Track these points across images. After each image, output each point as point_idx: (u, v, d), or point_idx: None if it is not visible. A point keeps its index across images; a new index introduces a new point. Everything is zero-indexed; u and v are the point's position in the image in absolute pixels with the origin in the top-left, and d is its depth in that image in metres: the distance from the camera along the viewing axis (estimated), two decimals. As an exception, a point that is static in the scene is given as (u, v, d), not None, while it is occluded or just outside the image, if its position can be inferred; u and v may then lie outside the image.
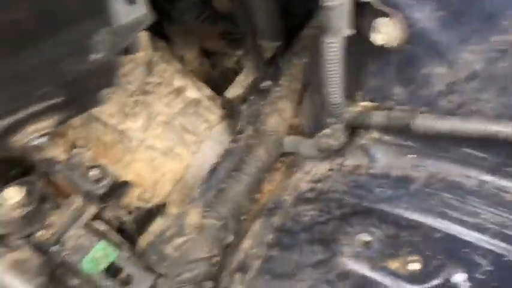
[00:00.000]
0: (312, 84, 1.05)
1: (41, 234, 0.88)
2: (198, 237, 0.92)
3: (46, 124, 0.67)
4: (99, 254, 0.90)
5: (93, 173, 0.92)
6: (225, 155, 1.13)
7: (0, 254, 0.74)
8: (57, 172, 0.92)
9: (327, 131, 0.81)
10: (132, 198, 1.09)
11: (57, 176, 0.92)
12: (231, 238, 0.95)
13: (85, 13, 0.52)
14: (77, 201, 0.93)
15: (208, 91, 1.33)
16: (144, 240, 1.07)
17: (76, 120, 1.09)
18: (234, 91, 1.20)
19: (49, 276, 0.74)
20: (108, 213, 1.00)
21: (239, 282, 0.87)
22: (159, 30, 1.35)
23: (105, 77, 0.73)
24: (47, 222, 0.88)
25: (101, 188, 0.91)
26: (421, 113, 0.74)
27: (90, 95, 0.76)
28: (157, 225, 1.11)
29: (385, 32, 0.66)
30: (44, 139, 0.68)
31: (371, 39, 0.68)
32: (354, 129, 0.83)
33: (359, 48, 0.72)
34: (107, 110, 1.20)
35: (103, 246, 0.91)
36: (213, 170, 1.11)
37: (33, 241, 0.83)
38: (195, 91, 1.31)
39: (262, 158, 1.03)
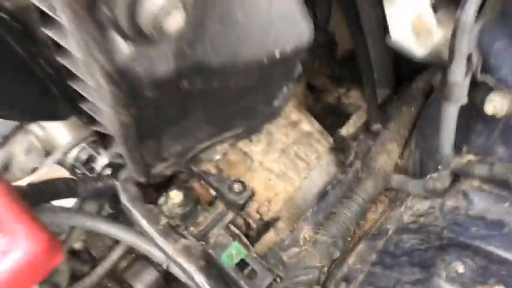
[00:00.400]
0: (421, 133, 1.23)
1: (193, 230, 1.13)
2: (312, 249, 1.12)
3: (227, 146, 0.92)
4: (234, 252, 1.14)
5: (237, 186, 1.16)
6: (335, 184, 1.33)
7: (176, 239, 0.99)
8: (208, 182, 1.18)
9: (434, 175, 0.99)
10: (252, 210, 1.33)
11: (207, 186, 1.18)
12: (338, 254, 1.14)
13: (283, 75, 0.75)
14: (221, 207, 1.18)
15: (318, 126, 1.55)
16: (261, 247, 1.30)
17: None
18: (347, 129, 1.41)
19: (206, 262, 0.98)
20: (239, 220, 1.24)
21: (344, 289, 1.07)
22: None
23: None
24: (197, 221, 1.14)
25: (241, 199, 1.15)
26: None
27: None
28: (271, 235, 1.33)
29: (496, 105, 0.83)
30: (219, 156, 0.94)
31: (484, 110, 0.85)
32: (457, 176, 1.00)
33: (470, 112, 0.90)
34: (241, 138, 1.45)
35: (236, 245, 1.15)
36: (324, 195, 1.32)
37: (192, 233, 1.08)
38: (308, 125, 1.53)
39: (370, 190, 1.23)
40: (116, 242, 1.35)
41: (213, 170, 1.19)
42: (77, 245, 1.30)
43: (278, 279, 1.12)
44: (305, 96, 1.78)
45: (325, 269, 1.10)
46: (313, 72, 1.88)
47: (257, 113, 0.93)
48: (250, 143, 1.45)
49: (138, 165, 0.82)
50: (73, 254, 1.35)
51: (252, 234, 1.28)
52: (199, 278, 0.93)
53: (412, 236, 1.01)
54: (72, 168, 1.21)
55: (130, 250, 1.27)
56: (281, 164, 1.44)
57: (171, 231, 1.00)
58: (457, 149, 0.97)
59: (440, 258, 0.90)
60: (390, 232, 1.09)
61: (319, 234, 1.16)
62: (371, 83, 1.38)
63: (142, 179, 0.90)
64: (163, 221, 1.01)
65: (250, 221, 1.24)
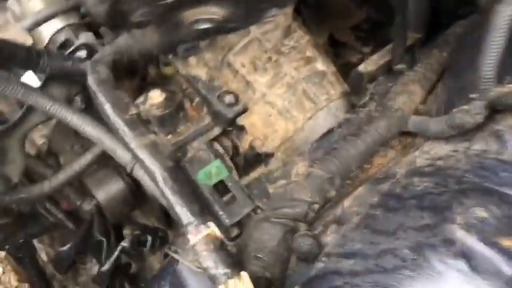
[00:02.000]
0: (452, 69, 1.05)
1: (169, 138, 0.97)
2: (304, 182, 0.96)
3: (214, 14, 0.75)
4: (214, 170, 0.98)
5: (229, 97, 0.99)
6: (342, 123, 1.16)
7: (143, 133, 0.82)
8: (196, 89, 1.01)
9: (464, 106, 0.81)
10: (244, 142, 1.16)
11: (194, 93, 1.01)
12: (333, 193, 0.98)
13: None
14: (206, 119, 1.01)
15: (334, 68, 1.38)
16: (247, 178, 1.13)
17: (210, 61, 1.19)
18: (366, 67, 1.23)
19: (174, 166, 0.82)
20: (226, 141, 1.07)
21: (333, 231, 0.90)
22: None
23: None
24: (177, 130, 0.97)
25: (231, 112, 0.98)
26: None
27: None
28: (262, 169, 1.17)
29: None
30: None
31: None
32: (492, 113, 0.82)
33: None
34: (241, 59, 1.28)
35: (218, 164, 0.98)
36: (327, 133, 1.15)
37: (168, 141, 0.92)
38: (323, 64, 1.36)
39: (381, 130, 1.05)
40: (86, 149, 1.20)
41: (204, 76, 1.02)
42: (39, 141, 1.14)
43: (258, 211, 0.96)
44: (326, 51, 1.61)
45: (315, 206, 0.94)
46: (339, 25, 1.70)
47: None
48: (255, 72, 1.28)
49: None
50: (38, 155, 1.20)
51: (238, 163, 1.12)
52: (163, 177, 0.77)
53: (425, 179, 0.84)
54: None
55: (100, 159, 1.12)
56: (286, 100, 1.27)
57: (139, 123, 0.84)
58: (499, 77, 0.79)
59: (458, 201, 0.73)
60: (398, 176, 0.92)
61: (314, 167, 0.99)
62: (402, 20, 1.20)
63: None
64: (133, 111, 0.84)
65: (239, 145, 1.08)
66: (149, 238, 1.13)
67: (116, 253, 1.11)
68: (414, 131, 1.02)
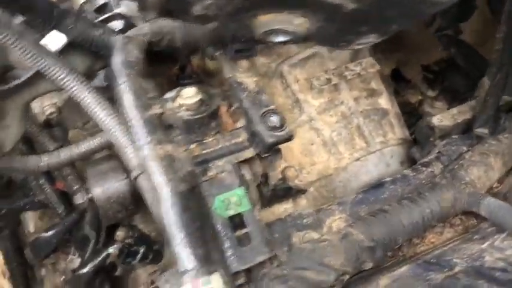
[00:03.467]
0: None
1: (193, 148, 0.80)
2: (339, 244, 0.77)
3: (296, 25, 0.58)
4: (234, 200, 0.80)
5: (275, 118, 0.81)
6: (397, 179, 0.97)
7: (161, 141, 0.66)
8: (239, 99, 0.84)
9: None
10: (277, 169, 0.98)
11: (235, 101, 0.83)
12: (369, 266, 0.79)
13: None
14: (242, 136, 0.83)
15: (398, 109, 1.19)
16: (270, 215, 0.96)
17: (262, 67, 1.01)
18: (441, 120, 1.03)
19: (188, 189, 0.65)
20: (257, 166, 0.89)
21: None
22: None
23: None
24: (204, 140, 0.80)
25: (273, 137, 0.80)
26: None
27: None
28: (287, 206, 0.99)
29: None
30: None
31: None
32: None
33: None
34: (297, 73, 1.11)
35: (241, 193, 0.80)
36: (377, 186, 0.96)
37: (190, 152, 0.74)
38: (387, 102, 1.18)
39: (444, 203, 0.86)
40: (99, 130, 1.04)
41: (251, 86, 0.84)
42: (49, 110, 0.99)
43: (275, 262, 0.77)
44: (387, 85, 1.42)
45: (346, 277, 0.75)
46: (411, 60, 1.51)
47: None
48: (308, 91, 1.10)
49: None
50: (45, 124, 1.05)
51: (265, 194, 0.94)
52: (171, 203, 0.60)
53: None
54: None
55: (110, 147, 0.96)
56: (335, 131, 1.10)
57: (159, 127, 0.67)
58: None
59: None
60: (457, 269, 0.72)
61: (353, 228, 0.80)
62: (499, 79, 0.99)
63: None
64: (156, 110, 0.68)
65: (270, 175, 0.90)
66: (141, 251, 0.97)
67: (99, 259, 0.95)
68: (485, 216, 0.82)
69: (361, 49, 1.22)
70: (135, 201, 0.91)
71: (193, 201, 0.66)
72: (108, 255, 0.94)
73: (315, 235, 0.84)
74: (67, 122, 1.02)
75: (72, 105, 1.01)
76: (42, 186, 1.07)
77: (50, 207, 1.09)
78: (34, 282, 1.43)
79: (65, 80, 0.74)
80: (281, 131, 0.80)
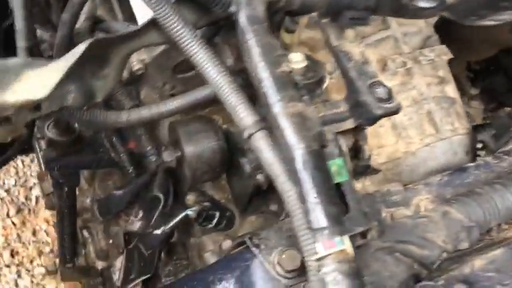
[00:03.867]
0: None
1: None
2: (440, 221, 0.77)
3: None
4: (334, 169, 0.79)
5: (382, 90, 0.80)
6: (480, 165, 0.96)
7: (293, 97, 0.64)
8: (344, 68, 0.82)
9: None
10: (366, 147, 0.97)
11: (344, 71, 0.82)
12: (466, 245, 0.79)
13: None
14: (342, 106, 0.82)
15: (460, 100, 1.20)
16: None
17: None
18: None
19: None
20: (350, 140, 0.88)
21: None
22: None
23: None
24: (313, 107, 0.79)
25: (381, 109, 0.79)
26: None
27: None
28: (370, 182, 0.99)
29: None
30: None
31: None
32: None
33: None
34: (371, 52, 1.10)
35: (341, 163, 0.79)
36: (461, 170, 0.96)
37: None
38: (454, 91, 1.18)
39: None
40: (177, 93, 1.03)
41: (358, 56, 0.83)
42: (137, 67, 0.97)
43: (373, 233, 0.77)
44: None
45: (445, 255, 0.75)
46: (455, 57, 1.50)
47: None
48: (382, 71, 1.10)
49: None
50: (126, 81, 1.03)
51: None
52: (303, 160, 0.59)
53: None
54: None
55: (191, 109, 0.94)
56: (406, 115, 1.09)
57: (291, 84, 0.66)
58: None
59: None
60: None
61: (453, 207, 0.80)
62: None
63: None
64: (285, 67, 0.66)
65: (364, 149, 0.89)
66: (217, 215, 0.96)
67: (178, 219, 0.94)
68: None
69: (431, 37, 1.22)
70: (223, 162, 0.90)
71: (324, 164, 0.65)
72: (186, 215, 0.93)
73: (406, 212, 0.84)
74: (150, 80, 1.01)
75: (158, 63, 0.99)
76: (114, 144, 1.06)
77: (118, 167, 1.08)
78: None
79: (179, 32, 0.72)
80: (389, 103, 0.79)
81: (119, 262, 1.17)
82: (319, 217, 0.58)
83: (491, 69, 1.62)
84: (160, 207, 1.03)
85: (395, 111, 0.80)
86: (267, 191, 0.91)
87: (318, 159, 0.64)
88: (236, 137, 0.89)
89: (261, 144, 0.68)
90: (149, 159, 1.04)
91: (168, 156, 0.89)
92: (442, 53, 1.19)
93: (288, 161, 0.61)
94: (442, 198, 0.89)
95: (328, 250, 0.56)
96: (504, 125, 1.04)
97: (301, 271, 0.77)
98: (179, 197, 1.08)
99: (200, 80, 0.84)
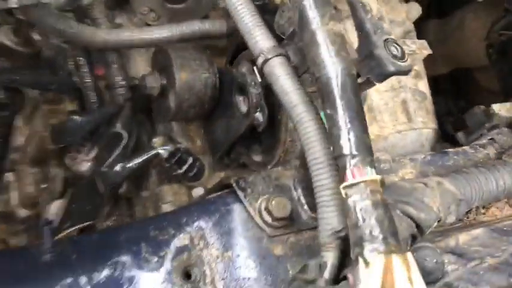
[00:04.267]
0: None
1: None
2: (436, 189, 0.74)
3: None
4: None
5: (396, 48, 0.77)
6: (459, 152, 0.97)
7: (332, 17, 0.59)
8: (360, 19, 0.78)
9: None
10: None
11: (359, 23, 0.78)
12: (451, 220, 0.77)
13: None
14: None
15: (430, 97, 1.22)
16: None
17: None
18: (501, 108, 1.05)
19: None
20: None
21: (453, 262, 0.69)
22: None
23: None
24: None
25: (393, 65, 0.75)
26: None
27: None
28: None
29: None
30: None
31: None
32: None
33: None
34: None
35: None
36: (442, 153, 0.95)
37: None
38: (426, 87, 1.21)
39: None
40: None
41: (375, 10, 0.80)
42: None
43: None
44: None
45: (435, 224, 0.73)
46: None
47: None
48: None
49: None
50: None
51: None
52: (342, 83, 0.53)
53: None
54: None
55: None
56: (383, 99, 1.08)
57: (332, 5, 0.61)
58: None
59: None
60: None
61: (445, 180, 0.78)
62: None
63: None
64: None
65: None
66: (189, 161, 0.87)
67: (147, 156, 0.83)
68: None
69: (411, 31, 1.23)
70: (212, 101, 0.82)
71: (358, 90, 0.59)
72: (157, 154, 0.83)
73: (395, 179, 0.81)
74: (136, 1, 0.90)
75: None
76: (79, 67, 0.93)
77: (81, 95, 0.95)
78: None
79: None
80: (403, 61, 0.76)
81: (55, 207, 1.03)
82: (353, 143, 0.52)
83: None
84: (122, 146, 0.91)
85: (407, 71, 0.77)
86: (251, 140, 0.84)
87: (355, 84, 0.58)
88: (228, 76, 0.81)
89: (279, 70, 0.62)
90: (118, 91, 0.93)
91: (153, 82, 0.79)
92: (423, 47, 1.20)
93: (320, 82, 0.55)
94: (425, 175, 0.88)
95: (360, 177, 0.50)
96: (479, 122, 1.06)
97: (289, 221, 0.71)
98: (143, 143, 0.98)
99: (191, 16, 0.77)
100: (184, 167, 0.86)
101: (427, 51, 1.21)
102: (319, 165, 0.57)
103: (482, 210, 0.86)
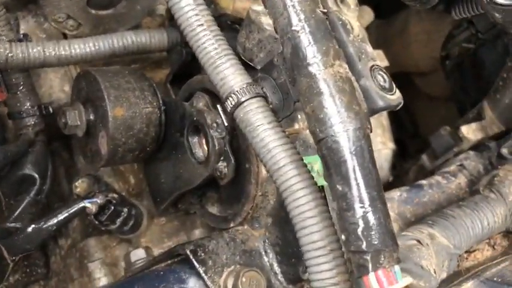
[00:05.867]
0: None
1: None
2: (431, 246, 0.63)
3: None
4: (318, 168, 0.60)
5: (382, 76, 0.63)
6: (433, 184, 0.88)
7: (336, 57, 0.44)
8: (343, 42, 0.64)
9: None
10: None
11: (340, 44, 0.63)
12: (443, 276, 0.67)
13: None
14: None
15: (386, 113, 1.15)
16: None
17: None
18: (469, 131, 0.97)
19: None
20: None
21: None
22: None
23: None
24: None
25: (382, 99, 0.62)
26: None
27: None
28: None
29: None
30: None
31: None
32: None
33: None
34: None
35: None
36: (417, 187, 0.86)
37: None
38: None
39: (497, 218, 0.78)
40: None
41: (356, 30, 0.66)
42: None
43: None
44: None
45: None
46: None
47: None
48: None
49: None
50: None
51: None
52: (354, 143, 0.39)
53: None
54: None
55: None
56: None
57: (332, 35, 0.46)
58: None
59: None
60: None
61: (437, 231, 0.67)
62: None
63: None
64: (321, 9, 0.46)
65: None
66: (124, 212, 0.69)
67: (70, 212, 0.64)
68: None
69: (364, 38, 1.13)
70: (156, 141, 0.63)
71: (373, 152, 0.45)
72: (83, 208, 0.64)
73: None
74: (48, 5, 0.69)
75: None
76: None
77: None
78: None
79: None
80: (392, 93, 0.63)
81: None
82: (375, 234, 0.38)
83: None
84: (33, 192, 0.71)
85: (397, 106, 0.65)
86: (205, 187, 0.68)
87: (372, 149, 0.44)
88: (176, 106, 0.64)
89: (257, 118, 0.46)
90: (25, 121, 0.71)
91: (76, 119, 0.59)
92: (379, 58, 1.12)
93: (325, 145, 0.41)
94: (404, 216, 0.78)
95: (390, 287, 0.36)
96: (446, 145, 0.98)
97: (265, 303, 0.57)
98: (61, 182, 0.78)
99: (120, 25, 0.60)
100: (119, 221, 0.67)
101: (384, 63, 1.12)
102: (317, 251, 0.42)
103: (465, 255, 0.77)
